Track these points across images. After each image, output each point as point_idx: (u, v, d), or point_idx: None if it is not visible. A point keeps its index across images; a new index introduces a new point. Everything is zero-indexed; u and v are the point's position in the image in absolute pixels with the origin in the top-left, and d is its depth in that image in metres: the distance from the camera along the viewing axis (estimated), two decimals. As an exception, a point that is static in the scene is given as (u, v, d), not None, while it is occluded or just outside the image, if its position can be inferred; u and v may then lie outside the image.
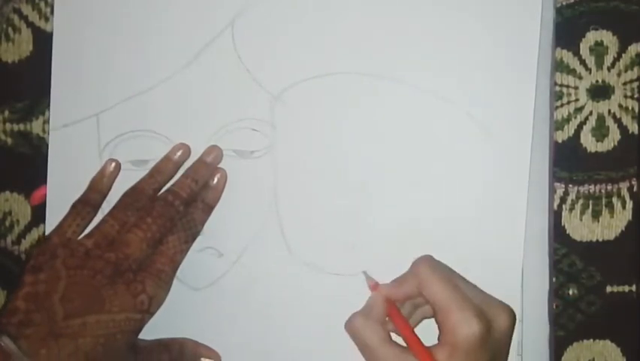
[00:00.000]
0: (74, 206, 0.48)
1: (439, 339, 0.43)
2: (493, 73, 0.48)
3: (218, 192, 0.49)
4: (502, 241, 0.48)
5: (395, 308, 0.45)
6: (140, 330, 0.45)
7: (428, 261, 0.45)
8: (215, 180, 0.49)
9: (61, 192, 0.50)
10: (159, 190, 0.48)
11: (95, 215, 0.48)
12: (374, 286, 0.46)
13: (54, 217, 0.48)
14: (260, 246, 0.50)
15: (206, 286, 0.50)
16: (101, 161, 0.50)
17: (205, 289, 0.50)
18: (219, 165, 0.49)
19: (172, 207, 0.47)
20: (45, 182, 0.51)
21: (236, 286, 0.50)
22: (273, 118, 0.49)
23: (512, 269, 0.48)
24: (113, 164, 0.49)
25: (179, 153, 0.49)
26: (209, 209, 0.49)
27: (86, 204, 0.48)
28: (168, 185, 0.48)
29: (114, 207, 0.47)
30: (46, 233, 0.50)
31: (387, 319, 0.45)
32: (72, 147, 0.50)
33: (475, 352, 0.41)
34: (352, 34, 0.49)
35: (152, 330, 0.46)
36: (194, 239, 0.48)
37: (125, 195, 0.48)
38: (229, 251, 0.50)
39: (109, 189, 0.49)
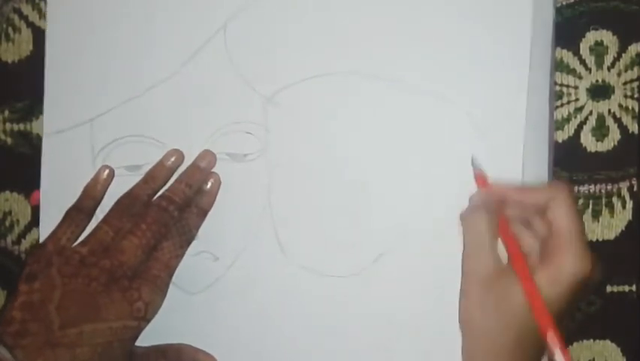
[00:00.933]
0: (68, 213, 0.47)
1: (541, 261, 0.42)
2: (487, 72, 0.48)
3: (212, 197, 0.49)
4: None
5: (504, 215, 0.44)
6: (137, 337, 0.45)
7: (571, 189, 0.44)
8: (209, 184, 0.49)
9: (54, 199, 0.50)
10: (153, 196, 0.48)
11: (89, 222, 0.47)
12: (481, 179, 0.45)
13: (48, 224, 0.48)
14: (255, 249, 0.49)
15: (202, 291, 0.50)
16: (94, 167, 0.50)
17: (201, 294, 0.50)
18: (213, 170, 0.49)
19: (166, 213, 0.46)
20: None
21: (232, 290, 0.50)
22: (266, 121, 0.49)
23: None
24: (107, 170, 0.49)
25: (172, 159, 0.49)
26: (203, 214, 0.48)
27: (80, 211, 0.47)
28: (162, 190, 0.48)
29: (108, 214, 0.47)
30: (40, 240, 0.50)
31: None
32: (66, 152, 0.50)
33: (573, 289, 0.41)
34: (344, 34, 0.49)
35: (149, 336, 0.46)
36: (189, 244, 0.47)
37: (119, 201, 0.47)
38: (224, 255, 0.50)
39: (103, 196, 0.49)
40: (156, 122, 0.50)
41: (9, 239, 0.52)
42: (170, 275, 0.46)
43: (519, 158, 0.48)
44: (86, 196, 0.48)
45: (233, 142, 0.49)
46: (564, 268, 0.41)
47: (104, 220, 0.47)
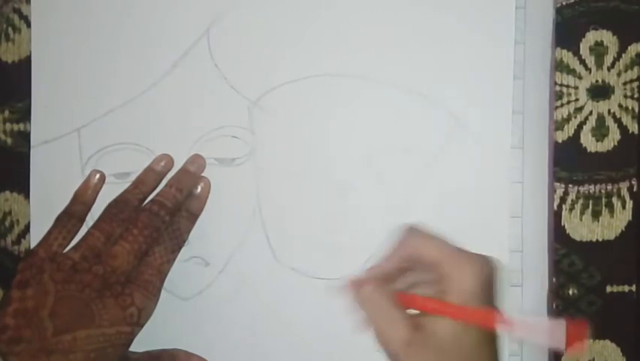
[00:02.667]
0: (59, 218, 0.47)
1: (443, 293, 0.41)
2: (471, 71, 0.49)
3: (202, 201, 0.49)
4: (487, 242, 0.48)
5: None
6: (130, 343, 0.45)
7: (414, 226, 0.43)
8: (199, 188, 0.49)
9: (44, 209, 0.50)
10: (143, 201, 0.48)
11: (80, 227, 0.47)
12: (352, 283, 0.43)
13: (38, 236, 0.47)
14: (245, 253, 0.50)
15: (194, 296, 0.50)
16: (83, 176, 0.50)
17: (193, 299, 0.50)
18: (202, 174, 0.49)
19: (157, 218, 0.46)
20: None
21: (224, 295, 0.50)
22: (252, 124, 0.49)
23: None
24: (98, 175, 0.49)
25: (162, 163, 0.49)
26: (194, 218, 0.48)
27: (71, 216, 0.47)
28: (152, 195, 0.48)
29: (99, 219, 0.47)
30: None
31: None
32: (54, 163, 0.50)
33: (484, 293, 0.40)
34: (326, 36, 0.49)
35: (143, 342, 0.46)
36: (180, 248, 0.47)
37: (110, 206, 0.47)
38: (215, 260, 0.50)
39: (93, 201, 0.48)
40: (143, 130, 0.50)
41: (9, 239, 0.52)
42: (162, 280, 0.46)
43: (507, 154, 0.48)
44: (76, 201, 0.48)
45: (220, 147, 0.49)
46: (463, 282, 0.40)
47: (95, 226, 0.46)
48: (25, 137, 0.51)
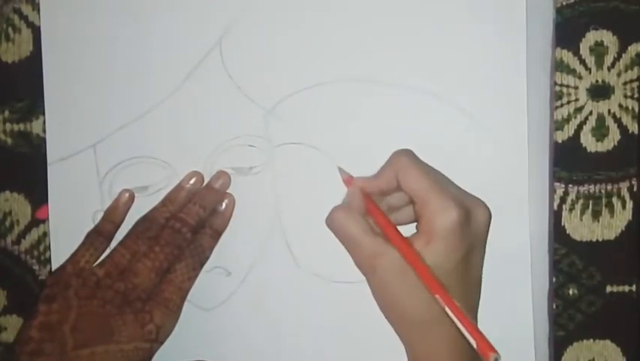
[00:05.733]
0: (88, 236, 0.48)
1: (416, 229, 0.43)
2: (485, 70, 0.49)
3: (226, 218, 0.49)
4: (507, 239, 0.49)
5: (372, 202, 0.45)
6: (149, 358, 0.45)
7: (408, 152, 0.44)
8: (224, 205, 0.49)
9: (63, 225, 0.50)
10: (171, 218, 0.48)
11: (108, 245, 0.48)
12: (348, 180, 0.46)
13: (58, 255, 0.48)
14: (267, 261, 0.49)
15: (217, 306, 0.50)
16: (101, 191, 0.50)
17: (216, 309, 0.50)
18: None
19: (179, 235, 0.47)
20: (45, 182, 0.51)
21: (247, 304, 0.50)
22: (268, 132, 0.49)
23: (520, 264, 0.49)
24: (127, 194, 0.49)
25: (192, 181, 0.49)
26: (217, 235, 0.48)
27: (100, 234, 0.48)
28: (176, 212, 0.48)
29: (126, 236, 0.48)
30: (52, 269, 0.50)
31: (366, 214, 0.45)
32: (71, 179, 0.50)
33: (453, 240, 0.41)
34: (339, 42, 0.49)
35: (167, 354, 0.46)
36: (202, 265, 0.48)
37: (137, 224, 0.48)
38: (237, 269, 0.50)
39: (123, 219, 0.49)
40: (159, 143, 0.50)
41: (9, 239, 0.52)
42: (183, 297, 0.46)
43: (524, 154, 0.49)
44: (106, 219, 0.49)
45: (237, 156, 0.49)
46: (431, 225, 0.41)
47: (121, 243, 0.47)
48: (25, 137, 0.51)
